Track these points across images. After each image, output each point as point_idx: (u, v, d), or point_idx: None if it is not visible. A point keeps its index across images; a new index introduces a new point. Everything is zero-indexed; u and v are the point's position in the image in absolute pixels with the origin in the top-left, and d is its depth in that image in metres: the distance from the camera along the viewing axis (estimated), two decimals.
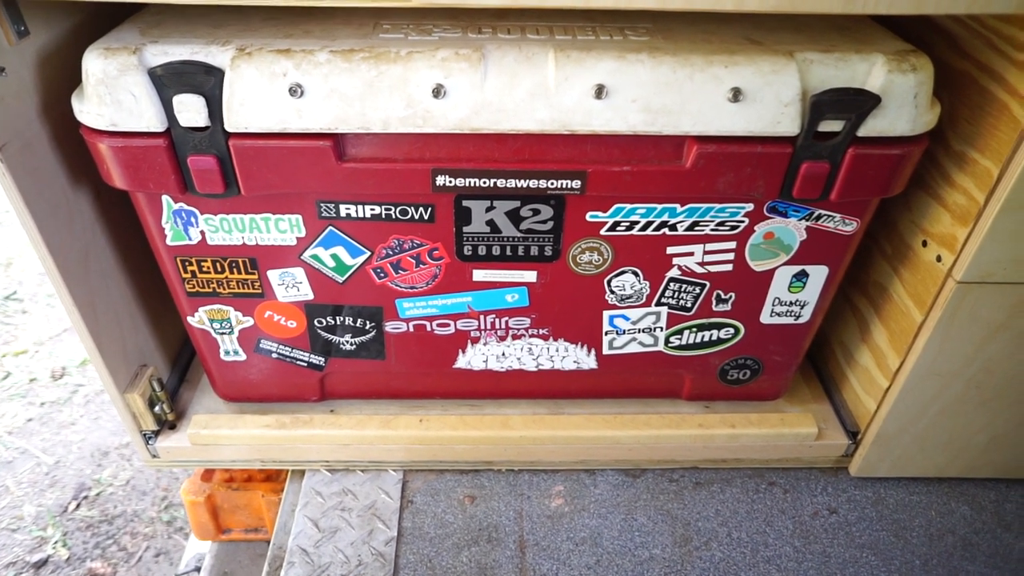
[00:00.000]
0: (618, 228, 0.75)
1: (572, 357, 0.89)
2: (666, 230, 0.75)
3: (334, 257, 0.77)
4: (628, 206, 0.73)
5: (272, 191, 0.69)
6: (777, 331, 0.86)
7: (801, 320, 0.85)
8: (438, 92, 0.63)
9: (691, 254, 0.78)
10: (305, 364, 0.89)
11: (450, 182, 0.69)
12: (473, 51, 0.64)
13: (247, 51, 0.63)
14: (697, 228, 0.75)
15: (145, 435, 0.90)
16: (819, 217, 0.75)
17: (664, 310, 0.84)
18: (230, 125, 0.64)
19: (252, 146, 0.66)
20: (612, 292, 0.82)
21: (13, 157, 0.65)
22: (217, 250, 0.76)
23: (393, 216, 0.74)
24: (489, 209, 0.73)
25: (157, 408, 0.89)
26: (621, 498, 0.93)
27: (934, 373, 0.82)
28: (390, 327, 0.85)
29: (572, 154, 0.69)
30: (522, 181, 0.69)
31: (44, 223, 0.70)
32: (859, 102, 0.64)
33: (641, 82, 0.63)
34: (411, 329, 0.85)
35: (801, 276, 0.81)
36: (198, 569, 1.19)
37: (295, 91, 0.62)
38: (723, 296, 0.82)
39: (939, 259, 0.76)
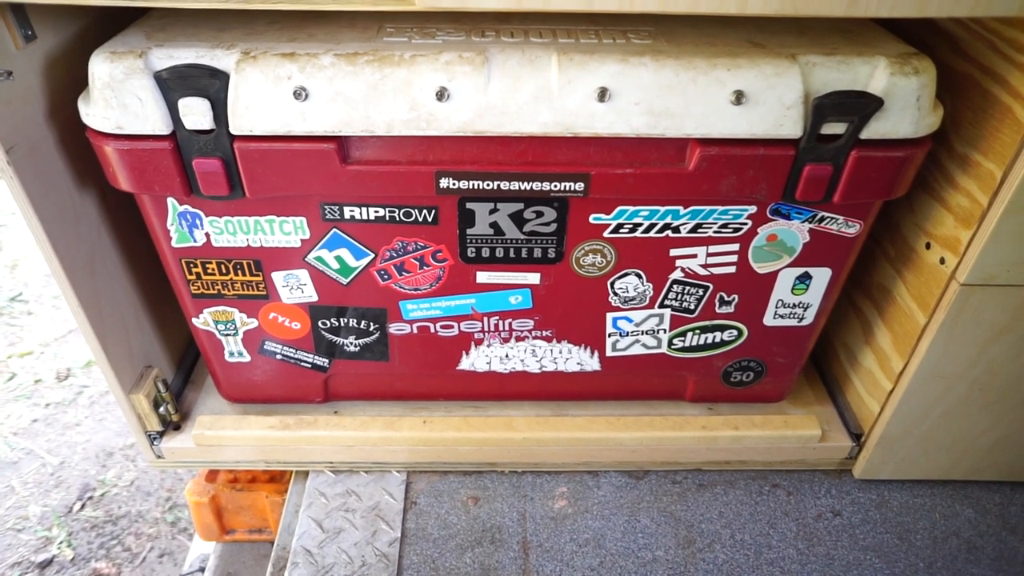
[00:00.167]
0: (621, 230, 0.75)
1: (575, 359, 0.89)
2: (669, 232, 0.75)
3: (338, 259, 0.78)
4: (631, 208, 0.73)
5: (277, 193, 0.70)
6: (780, 333, 0.86)
7: (804, 322, 0.85)
8: (442, 95, 0.63)
9: (694, 256, 0.78)
10: (309, 365, 0.89)
11: (454, 184, 0.69)
12: (476, 54, 0.64)
13: (252, 55, 0.63)
14: (700, 230, 0.75)
15: (150, 436, 0.90)
16: (822, 219, 0.75)
17: (667, 312, 0.84)
18: (235, 128, 0.64)
19: (257, 149, 0.66)
20: (615, 294, 0.82)
21: (20, 160, 0.66)
22: (222, 252, 0.76)
23: (397, 218, 0.74)
24: (493, 211, 0.73)
25: (162, 409, 0.90)
26: (624, 500, 0.93)
27: (938, 375, 0.82)
28: (394, 329, 0.85)
29: (575, 156, 0.69)
30: (525, 183, 0.69)
31: (50, 225, 0.70)
32: (862, 105, 0.64)
33: (644, 85, 0.64)
34: (415, 331, 0.85)
35: (804, 278, 0.81)
36: (202, 570, 1.19)
37: (299, 94, 0.63)
38: (726, 298, 0.82)
39: (942, 261, 0.76)
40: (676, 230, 0.75)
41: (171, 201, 0.72)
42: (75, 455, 1.64)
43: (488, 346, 0.87)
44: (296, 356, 0.88)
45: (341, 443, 0.91)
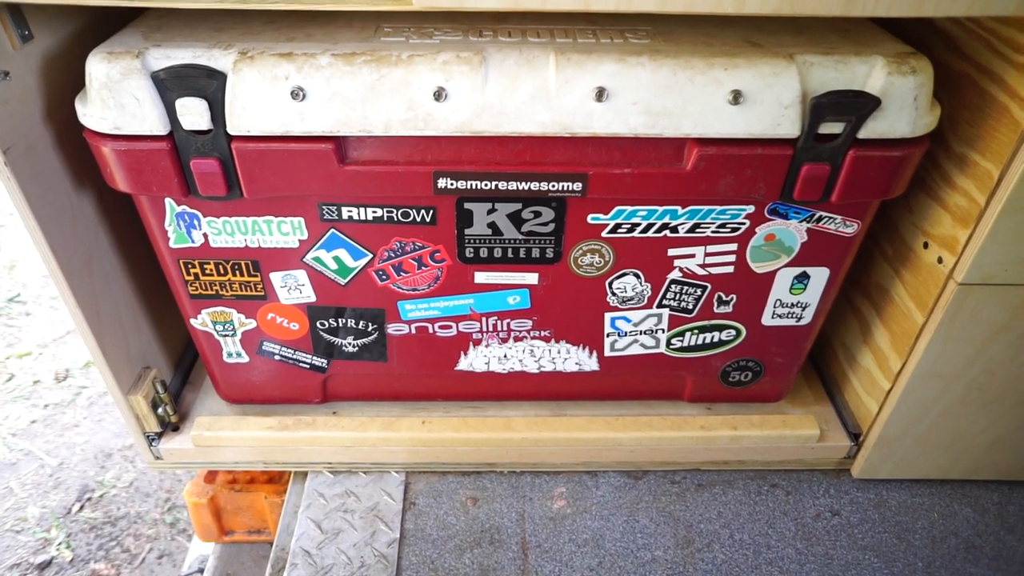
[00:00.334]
0: (619, 230, 0.75)
1: (574, 359, 0.89)
2: (667, 232, 0.75)
3: (336, 259, 0.78)
4: (629, 208, 0.73)
5: (274, 194, 0.69)
6: (778, 333, 0.87)
7: (802, 322, 0.85)
8: (439, 95, 0.63)
9: (692, 256, 0.78)
10: (307, 366, 0.89)
11: (452, 184, 0.69)
12: (474, 54, 0.64)
13: (249, 55, 0.63)
14: (698, 230, 0.75)
15: (148, 437, 0.90)
16: (820, 219, 0.75)
17: (665, 312, 0.84)
18: (232, 128, 0.64)
19: (254, 149, 0.66)
20: (613, 294, 0.82)
21: (17, 160, 0.66)
22: (220, 252, 0.76)
23: (395, 218, 0.74)
24: (491, 211, 0.73)
25: (160, 410, 0.89)
26: (623, 500, 0.93)
27: (936, 375, 0.82)
28: (392, 329, 0.85)
29: (573, 156, 0.69)
30: (523, 183, 0.69)
31: (48, 226, 0.70)
32: (859, 104, 0.64)
33: (642, 85, 0.64)
34: (413, 331, 0.85)
35: (802, 278, 0.81)
36: (201, 571, 1.19)
37: (297, 94, 0.63)
38: (724, 298, 0.82)
39: (940, 261, 0.76)
40: (674, 230, 0.75)
41: (169, 202, 0.72)
42: (74, 456, 1.64)
43: (486, 346, 0.87)
44: (294, 357, 0.88)
45: (340, 444, 0.91)
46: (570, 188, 0.70)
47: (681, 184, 0.70)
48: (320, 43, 0.65)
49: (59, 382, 1.82)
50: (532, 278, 0.80)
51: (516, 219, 0.74)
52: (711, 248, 0.77)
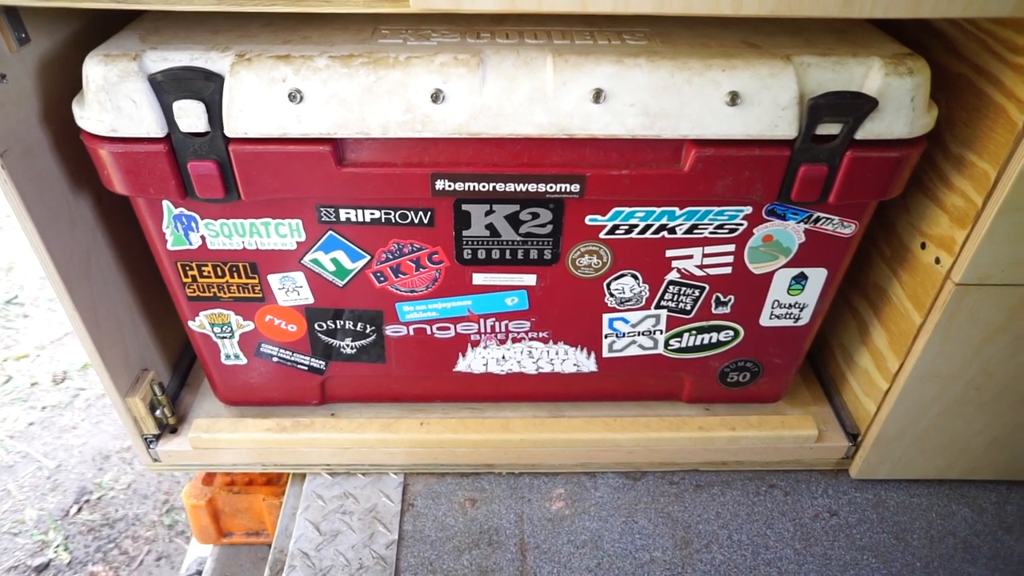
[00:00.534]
0: (617, 231, 0.75)
1: (572, 360, 0.89)
2: (665, 233, 0.75)
3: (334, 261, 0.77)
4: (627, 209, 0.73)
5: (272, 196, 0.69)
6: (777, 333, 0.87)
7: (800, 322, 0.85)
8: (437, 97, 0.63)
9: (690, 257, 0.78)
10: (306, 368, 0.89)
11: (449, 186, 0.69)
12: (471, 56, 0.64)
13: (246, 57, 0.63)
14: (696, 231, 0.75)
15: (146, 439, 0.90)
16: (818, 220, 0.75)
17: (664, 313, 0.84)
18: (230, 130, 0.64)
19: (252, 151, 0.66)
20: (611, 295, 0.82)
21: (14, 163, 0.65)
22: (217, 254, 0.76)
23: (393, 220, 0.74)
24: (488, 213, 0.73)
25: (158, 412, 0.89)
26: (622, 501, 0.93)
27: (933, 375, 0.82)
28: (390, 331, 0.85)
29: (571, 158, 0.69)
30: (521, 185, 0.69)
31: (45, 228, 0.70)
32: (856, 105, 0.64)
33: (639, 86, 0.64)
34: (411, 333, 0.85)
35: (800, 278, 0.81)
36: (199, 573, 1.19)
37: (294, 96, 0.63)
38: (722, 299, 0.82)
39: (938, 261, 0.76)
40: (672, 231, 0.75)
41: (166, 204, 0.72)
42: (71, 458, 1.64)
43: (485, 348, 0.87)
44: (292, 358, 0.88)
45: (338, 445, 0.91)
46: (568, 189, 0.70)
47: (679, 185, 0.70)
48: (317, 45, 0.65)
49: (57, 384, 1.82)
50: (530, 279, 0.80)
51: (514, 220, 0.74)
52: (709, 249, 0.77)
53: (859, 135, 0.66)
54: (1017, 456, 0.92)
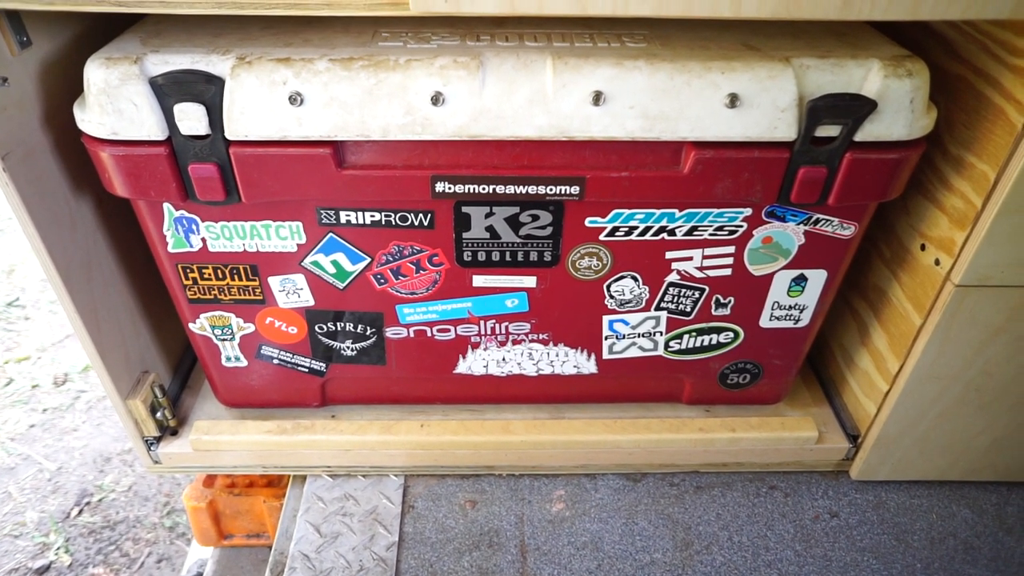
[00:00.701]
0: (617, 233, 0.75)
1: (572, 362, 0.89)
2: (665, 235, 0.76)
3: (334, 263, 0.78)
4: (627, 211, 0.73)
5: (273, 198, 0.70)
6: (777, 335, 0.87)
7: (800, 324, 0.85)
8: (437, 99, 0.63)
9: (690, 259, 0.78)
10: (306, 370, 0.89)
11: (449, 188, 0.69)
12: (471, 59, 0.64)
13: (247, 60, 0.63)
14: (696, 233, 0.76)
15: (147, 441, 0.90)
16: (817, 221, 0.75)
17: (663, 314, 0.84)
18: (231, 133, 0.64)
19: (252, 154, 0.66)
20: (611, 297, 0.82)
21: (16, 166, 0.66)
22: (218, 257, 0.76)
23: (393, 222, 0.74)
24: (488, 215, 0.73)
25: (159, 414, 0.89)
26: (622, 502, 0.93)
27: (933, 376, 0.82)
28: (391, 333, 0.85)
29: (570, 160, 0.69)
30: (521, 187, 0.70)
31: (46, 231, 0.70)
32: (856, 107, 0.64)
33: (639, 88, 0.64)
34: (412, 335, 0.85)
35: (800, 280, 0.81)
36: (200, 575, 1.19)
37: (295, 99, 0.63)
38: (722, 300, 0.83)
39: (937, 263, 0.76)
40: (672, 233, 0.75)
41: (167, 206, 0.72)
42: (72, 460, 1.64)
43: (485, 349, 0.87)
44: (293, 360, 0.88)
45: (338, 447, 0.91)
46: (568, 192, 0.70)
47: (678, 187, 0.70)
48: (318, 48, 0.66)
49: (58, 386, 1.82)
50: (530, 281, 0.80)
51: (514, 223, 0.74)
52: (709, 251, 0.77)
53: (858, 137, 0.66)
54: (1017, 457, 0.92)
